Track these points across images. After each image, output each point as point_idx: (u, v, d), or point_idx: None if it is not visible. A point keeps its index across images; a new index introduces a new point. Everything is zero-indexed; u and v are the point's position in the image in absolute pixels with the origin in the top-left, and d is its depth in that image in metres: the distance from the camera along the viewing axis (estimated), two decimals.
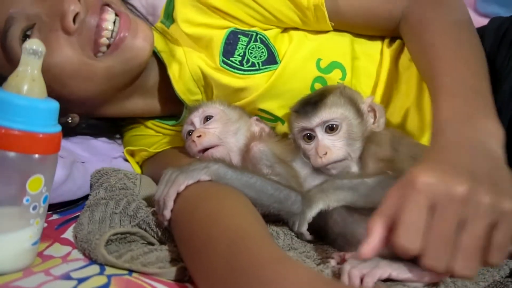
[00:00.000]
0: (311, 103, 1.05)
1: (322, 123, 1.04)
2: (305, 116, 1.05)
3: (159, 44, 1.25)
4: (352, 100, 1.07)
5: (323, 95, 1.06)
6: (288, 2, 1.19)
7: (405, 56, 1.22)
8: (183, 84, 1.23)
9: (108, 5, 1.13)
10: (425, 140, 1.16)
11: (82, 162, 1.22)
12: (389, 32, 1.23)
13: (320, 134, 1.05)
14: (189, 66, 1.21)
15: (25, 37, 1.04)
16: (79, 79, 1.11)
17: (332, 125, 1.04)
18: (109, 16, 1.12)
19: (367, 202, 0.93)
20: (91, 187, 1.17)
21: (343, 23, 1.23)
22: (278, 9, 1.19)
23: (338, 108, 1.05)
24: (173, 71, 1.23)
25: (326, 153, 1.03)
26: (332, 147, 1.03)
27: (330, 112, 1.04)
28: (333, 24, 1.21)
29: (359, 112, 1.07)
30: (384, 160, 1.01)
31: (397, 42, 1.24)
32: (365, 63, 1.24)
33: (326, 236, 1.00)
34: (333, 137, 1.04)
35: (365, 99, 1.10)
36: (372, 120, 1.09)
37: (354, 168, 1.05)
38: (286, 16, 1.20)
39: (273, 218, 1.00)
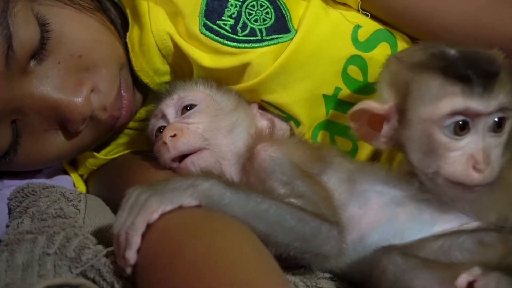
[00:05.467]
0: (485, 70, 0.83)
1: (497, 111, 0.82)
2: (477, 91, 0.81)
3: None
4: None
5: (493, 61, 0.83)
6: None
7: None
8: (145, 60, 1.08)
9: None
10: None
11: None
12: None
13: (482, 128, 0.83)
14: (154, 32, 1.05)
15: None
16: None
17: (500, 118, 0.82)
18: None
19: None
20: (9, 213, 1.02)
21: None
22: None
23: (510, 93, 0.84)
24: (132, 38, 1.08)
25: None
26: (493, 155, 0.84)
27: (507, 94, 0.82)
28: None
29: None
30: None
31: None
32: None
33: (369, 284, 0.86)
34: (494, 140, 0.83)
35: None
36: None
37: None
38: None
39: (291, 263, 0.88)
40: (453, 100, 0.82)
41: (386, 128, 0.87)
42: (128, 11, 1.08)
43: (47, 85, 0.95)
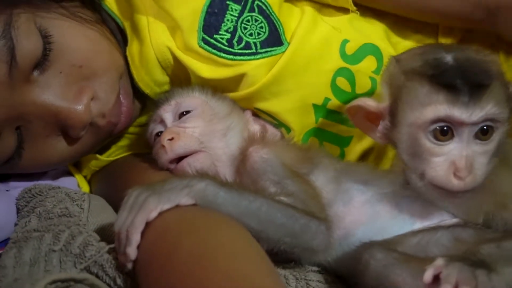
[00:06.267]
0: (475, 80, 0.81)
1: (482, 121, 0.80)
2: (462, 100, 0.80)
3: (122, 6, 1.10)
4: (508, 93, 0.84)
5: (486, 71, 0.82)
6: None
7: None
8: (145, 72, 1.09)
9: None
10: None
11: (7, 190, 1.09)
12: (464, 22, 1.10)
13: (467, 136, 0.81)
14: (153, 46, 1.06)
15: None
16: None
17: (488, 127, 0.81)
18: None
19: None
20: (18, 213, 1.03)
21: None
22: None
23: (500, 104, 0.81)
24: (132, 52, 1.09)
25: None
26: (477, 163, 0.83)
27: (495, 105, 0.80)
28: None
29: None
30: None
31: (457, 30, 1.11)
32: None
33: (354, 278, 0.87)
34: (480, 147, 0.81)
35: None
36: None
37: None
38: None
39: (282, 257, 0.88)
40: (437, 107, 0.81)
41: (381, 126, 0.87)
42: (126, 26, 1.09)
43: (49, 93, 0.96)
